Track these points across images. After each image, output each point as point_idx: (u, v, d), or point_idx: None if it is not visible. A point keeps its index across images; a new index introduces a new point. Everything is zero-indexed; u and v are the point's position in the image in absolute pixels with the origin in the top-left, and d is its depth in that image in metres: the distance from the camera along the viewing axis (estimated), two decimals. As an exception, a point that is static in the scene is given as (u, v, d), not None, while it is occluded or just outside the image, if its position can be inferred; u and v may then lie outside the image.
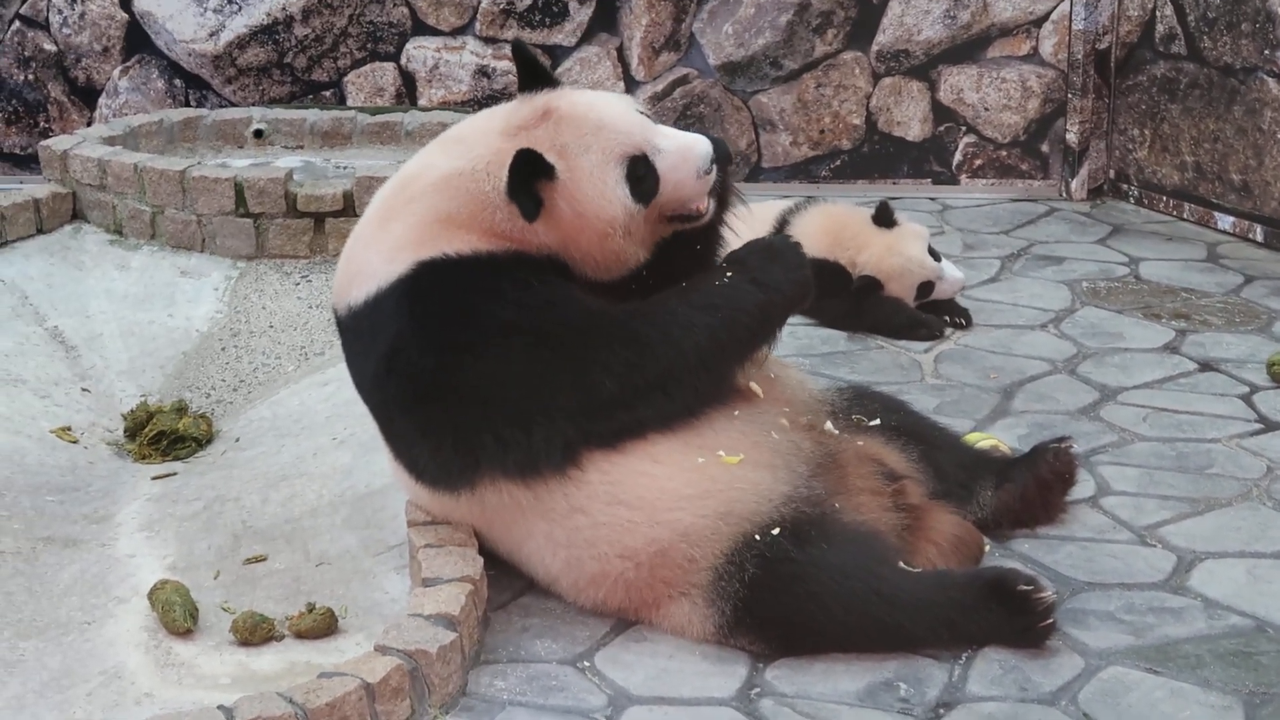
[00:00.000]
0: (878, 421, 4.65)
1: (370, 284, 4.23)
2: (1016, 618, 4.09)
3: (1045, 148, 8.43)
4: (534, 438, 4.10)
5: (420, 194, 4.25)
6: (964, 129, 8.45)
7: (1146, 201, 8.13)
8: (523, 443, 4.11)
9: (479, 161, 4.21)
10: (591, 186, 4.16)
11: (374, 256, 4.25)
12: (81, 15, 8.42)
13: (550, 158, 4.13)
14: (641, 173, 4.20)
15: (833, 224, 6.50)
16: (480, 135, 4.32)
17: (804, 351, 6.16)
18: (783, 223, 6.51)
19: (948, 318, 6.47)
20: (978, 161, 8.47)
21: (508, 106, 4.36)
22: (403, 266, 4.18)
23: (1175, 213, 7.96)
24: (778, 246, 4.38)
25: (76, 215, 7.30)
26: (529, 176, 4.09)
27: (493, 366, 4.10)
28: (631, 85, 8.42)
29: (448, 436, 4.17)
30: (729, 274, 4.28)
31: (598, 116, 4.23)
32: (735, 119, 8.46)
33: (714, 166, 4.26)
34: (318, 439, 5.50)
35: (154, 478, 5.50)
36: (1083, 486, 4.92)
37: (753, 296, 4.24)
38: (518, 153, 4.08)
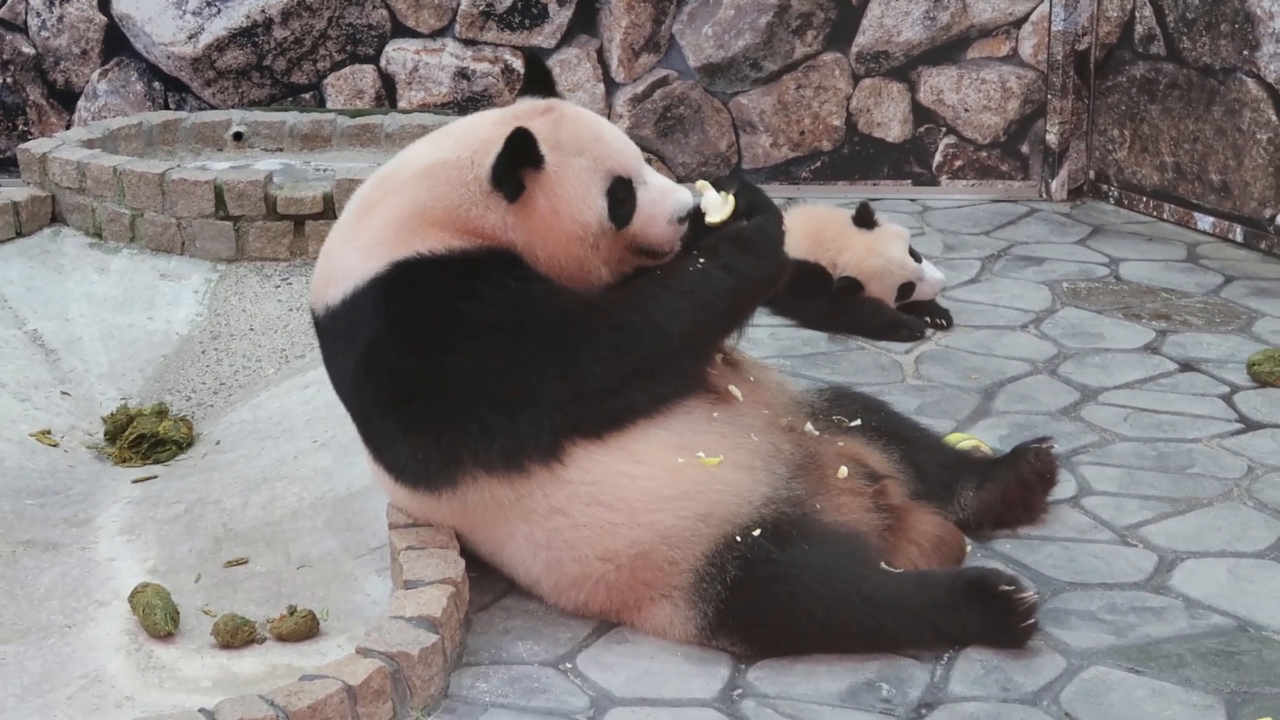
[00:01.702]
0: (858, 422, 4.65)
1: (347, 283, 4.22)
2: (998, 618, 4.09)
3: (1025, 149, 8.44)
4: (520, 424, 4.09)
5: (399, 186, 4.27)
6: (944, 130, 8.46)
7: (1126, 202, 8.14)
8: (509, 429, 4.09)
9: (465, 150, 4.23)
10: (575, 187, 4.18)
11: (350, 254, 4.25)
12: (60, 18, 8.40)
13: (543, 149, 4.15)
14: (622, 195, 4.26)
15: (813, 225, 6.50)
16: (470, 127, 4.37)
17: (784, 353, 6.16)
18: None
19: (928, 319, 6.48)
20: (958, 162, 8.48)
21: (505, 107, 4.44)
22: (379, 264, 4.18)
23: (1155, 213, 7.97)
24: (749, 235, 4.34)
25: (56, 218, 7.29)
26: (521, 154, 4.12)
27: (476, 361, 4.09)
28: (611, 87, 8.42)
29: (430, 433, 4.16)
30: (701, 260, 4.27)
31: (598, 129, 4.31)
32: (715, 120, 8.46)
33: (688, 221, 4.32)
34: (298, 442, 5.49)
35: (134, 481, 5.48)
36: (1064, 487, 4.93)
37: (724, 283, 4.24)
38: (515, 130, 4.11)
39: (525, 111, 4.30)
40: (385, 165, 4.45)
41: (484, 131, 4.27)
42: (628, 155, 4.31)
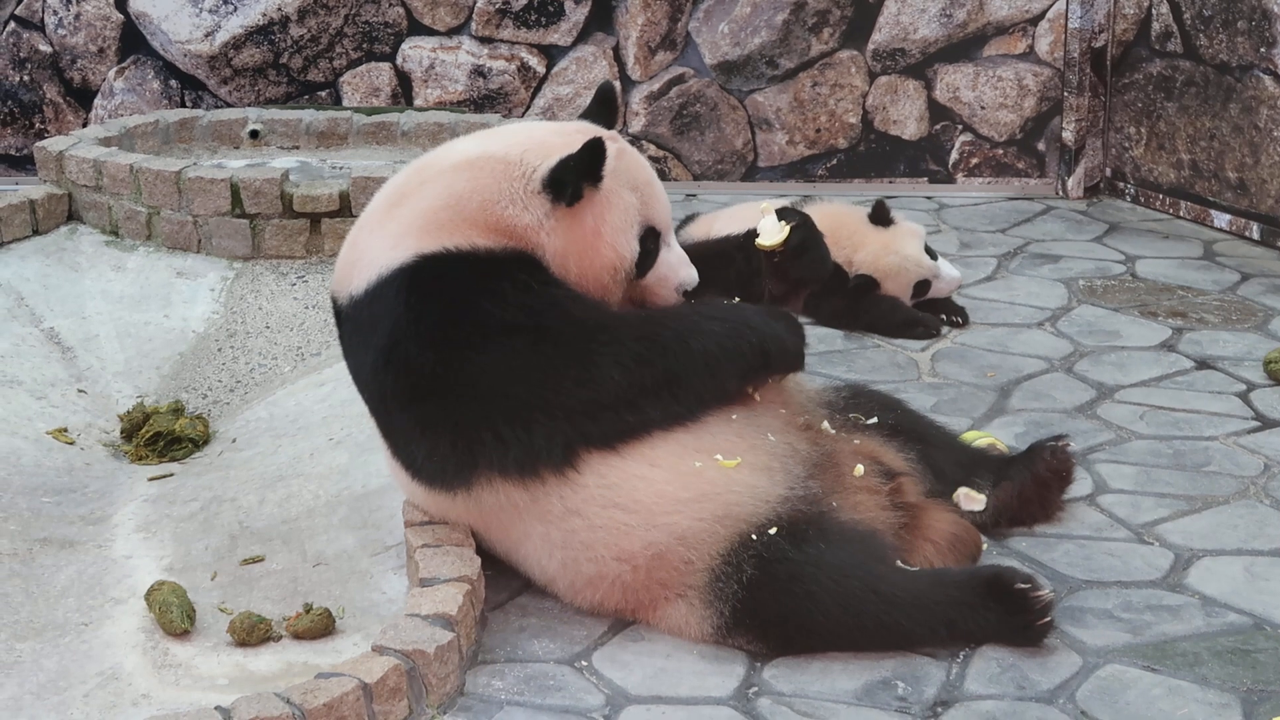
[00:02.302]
0: (875, 420, 4.65)
1: (371, 271, 4.21)
2: (1014, 616, 4.09)
3: (1041, 146, 8.43)
4: (535, 435, 4.09)
5: (437, 175, 4.26)
6: (960, 128, 8.45)
7: (1143, 199, 8.13)
8: (523, 440, 4.09)
9: (515, 148, 4.24)
10: (621, 219, 4.24)
11: (377, 243, 4.24)
12: (77, 16, 8.42)
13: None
14: (651, 247, 4.32)
15: (829, 223, 6.42)
16: (524, 129, 4.41)
17: (801, 350, 6.16)
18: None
19: (944, 316, 6.47)
20: (974, 160, 8.47)
21: (563, 122, 4.52)
22: (405, 255, 4.17)
23: (1172, 210, 7.96)
24: (777, 312, 4.39)
25: (72, 216, 7.30)
26: (591, 165, 4.14)
27: (495, 362, 4.09)
28: (627, 85, 8.42)
29: (446, 434, 4.15)
30: (736, 299, 4.35)
31: (651, 176, 4.37)
32: (731, 118, 8.46)
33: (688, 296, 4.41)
34: (314, 439, 5.50)
35: (150, 479, 5.49)
36: (1080, 484, 4.93)
37: (759, 319, 4.27)
38: (595, 138, 4.14)
39: (586, 131, 4.31)
40: (422, 157, 4.45)
41: (540, 135, 4.30)
42: (667, 212, 4.39)
